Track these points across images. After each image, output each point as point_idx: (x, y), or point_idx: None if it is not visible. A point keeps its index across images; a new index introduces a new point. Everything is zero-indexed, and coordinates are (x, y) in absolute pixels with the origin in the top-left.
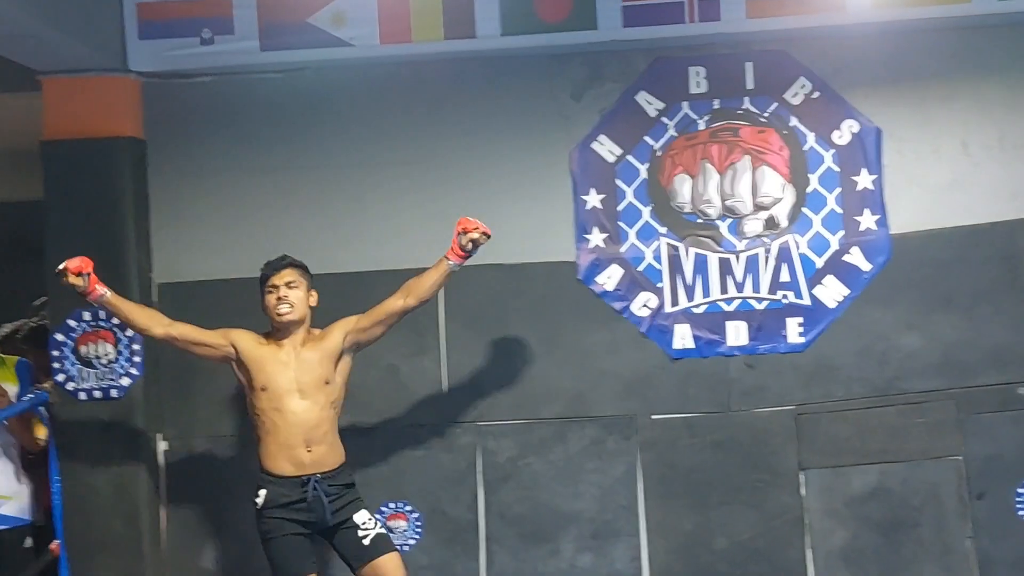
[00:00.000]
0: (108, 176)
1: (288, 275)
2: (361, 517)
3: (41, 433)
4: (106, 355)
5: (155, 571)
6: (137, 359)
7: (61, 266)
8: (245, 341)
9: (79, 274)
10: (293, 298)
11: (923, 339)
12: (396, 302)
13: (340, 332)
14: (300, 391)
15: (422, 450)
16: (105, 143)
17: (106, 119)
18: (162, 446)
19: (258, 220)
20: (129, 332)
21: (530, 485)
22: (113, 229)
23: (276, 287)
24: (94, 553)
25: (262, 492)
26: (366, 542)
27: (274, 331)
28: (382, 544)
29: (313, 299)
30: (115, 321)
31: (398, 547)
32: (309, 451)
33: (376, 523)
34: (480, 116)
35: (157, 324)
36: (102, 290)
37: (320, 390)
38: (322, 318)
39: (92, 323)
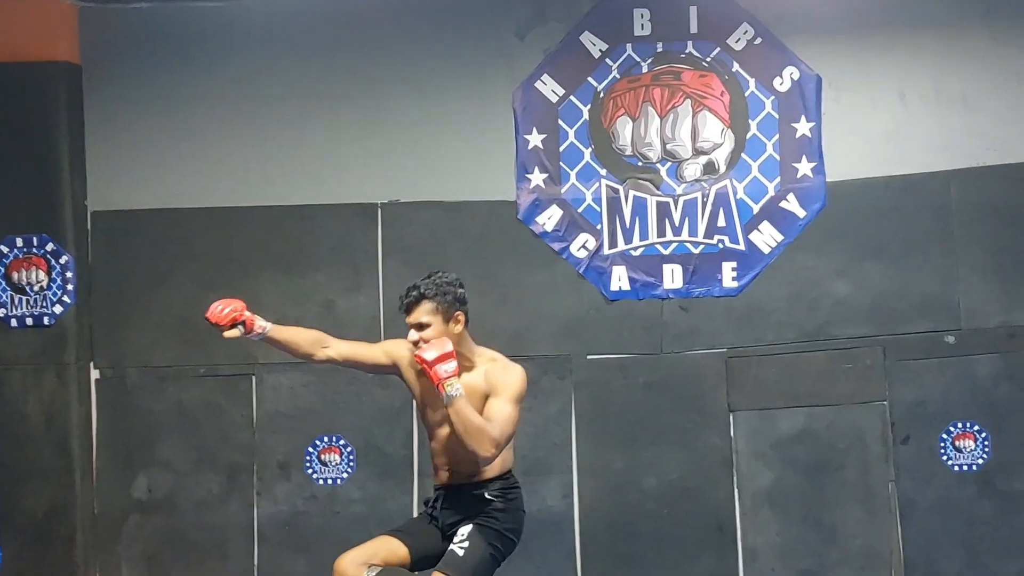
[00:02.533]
0: (42, 101)
1: (418, 314)
2: (463, 530)
3: None
4: (39, 282)
5: (85, 500)
6: (70, 287)
7: (211, 321)
8: (405, 358)
9: (234, 324)
10: (428, 340)
11: (853, 286)
12: None
13: (486, 388)
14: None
15: (357, 386)
16: (39, 67)
17: (41, 43)
18: (94, 375)
19: (195, 149)
20: (62, 260)
21: None
22: (47, 155)
23: (410, 328)
24: (25, 481)
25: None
26: (446, 554)
27: None
28: (445, 561)
29: (459, 325)
30: (48, 248)
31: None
32: (448, 471)
33: (464, 541)
34: (423, 52)
35: (319, 349)
36: (262, 324)
37: None
38: (257, 251)
39: (24, 249)
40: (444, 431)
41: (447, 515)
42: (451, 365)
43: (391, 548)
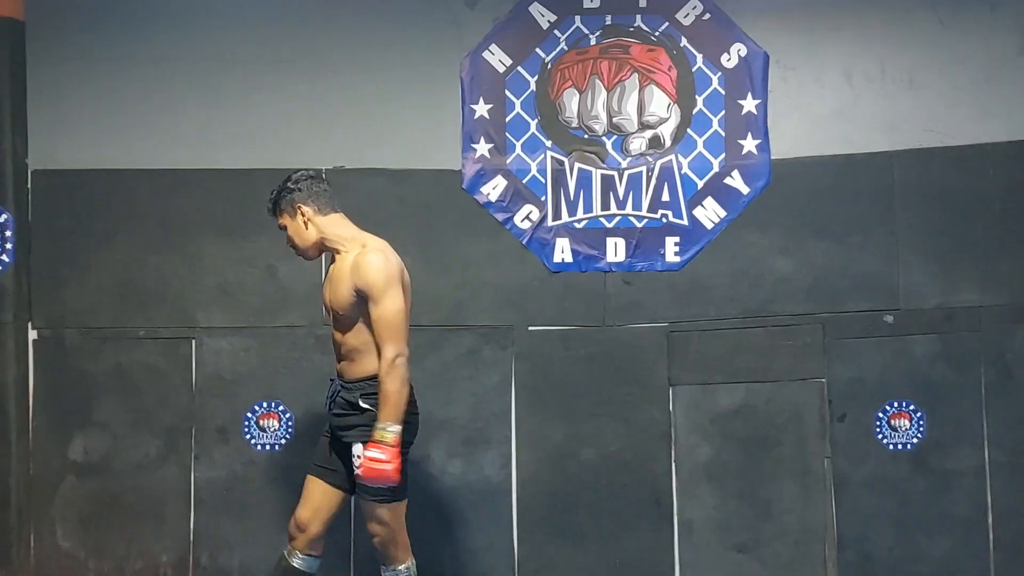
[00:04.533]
0: None
1: (279, 220)
2: (358, 449)
3: None
4: None
5: (21, 461)
6: (8, 246)
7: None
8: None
9: None
10: (289, 242)
11: (795, 264)
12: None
13: (352, 287)
14: (327, 308)
15: (297, 351)
16: None
17: None
18: (32, 335)
19: (141, 110)
20: (2, 217)
21: None
22: None
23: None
24: None
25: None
26: (357, 473)
27: None
28: (364, 488)
29: (304, 216)
30: None
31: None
32: (339, 363)
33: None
34: (372, 18)
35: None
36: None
37: (340, 314)
38: (200, 214)
39: None
40: (330, 318)
41: (335, 420)
42: (384, 458)
43: (319, 499)
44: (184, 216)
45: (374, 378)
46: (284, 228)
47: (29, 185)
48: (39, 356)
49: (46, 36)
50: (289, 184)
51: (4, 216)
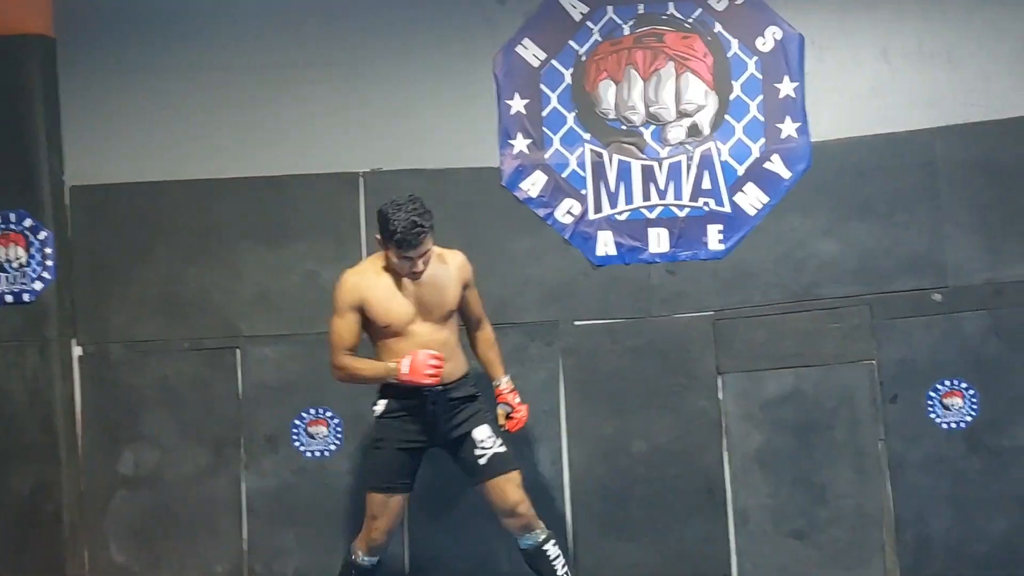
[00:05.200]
0: (17, 76)
1: (424, 247)
2: (480, 434)
3: None
4: (17, 259)
5: (71, 477)
6: (50, 263)
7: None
8: (356, 294)
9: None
10: (427, 264)
11: (840, 246)
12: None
13: (461, 284)
14: (423, 317)
15: None
16: (13, 41)
17: (14, 16)
18: (77, 351)
19: (172, 121)
20: (41, 235)
21: None
22: (23, 131)
23: (411, 259)
24: (9, 460)
25: (381, 402)
26: (482, 461)
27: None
28: (499, 463)
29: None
30: (27, 224)
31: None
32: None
33: (496, 441)
34: (402, 18)
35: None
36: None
37: (443, 319)
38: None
39: (2, 226)
40: (424, 327)
41: (453, 423)
42: (520, 404)
43: (402, 510)
44: (222, 225)
45: (469, 372)
46: (426, 253)
47: (67, 201)
48: (85, 372)
49: (76, 52)
50: (427, 208)
51: (44, 234)
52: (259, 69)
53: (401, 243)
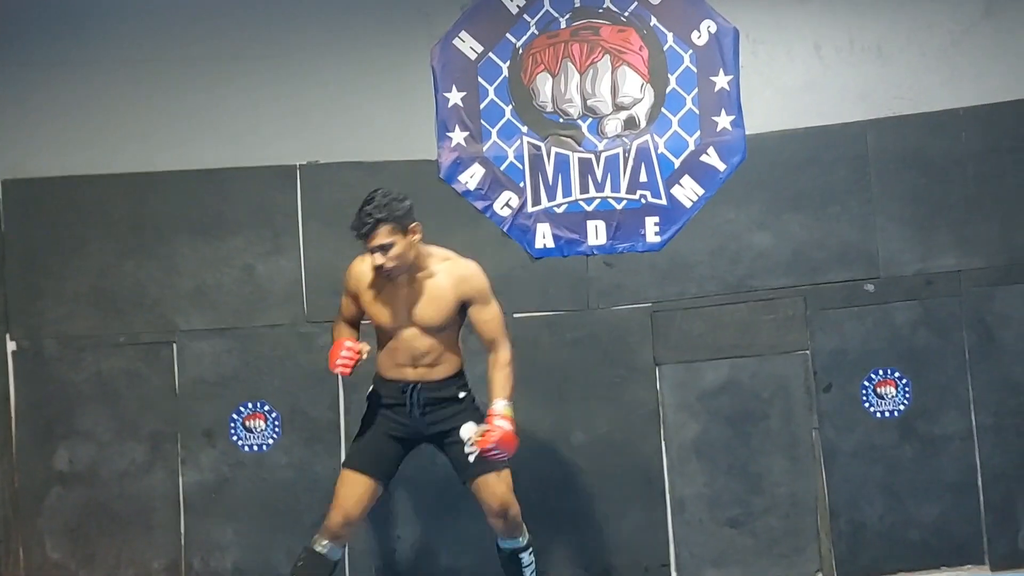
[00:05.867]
0: None
1: (379, 238)
2: (467, 431)
3: None
4: None
5: (5, 474)
6: None
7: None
8: (354, 282)
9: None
10: (392, 260)
11: (774, 238)
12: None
13: (459, 299)
14: (414, 324)
15: (280, 350)
16: None
17: None
18: (10, 346)
19: (105, 114)
20: None
21: None
22: None
23: (372, 251)
24: None
25: (372, 387)
26: (471, 458)
27: None
28: (489, 462)
29: (416, 235)
30: None
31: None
32: (415, 368)
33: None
34: (339, 10)
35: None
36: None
37: (433, 330)
38: (173, 216)
39: None
40: (409, 332)
41: (432, 418)
42: (507, 425)
43: (367, 496)
44: (157, 219)
45: (460, 374)
46: (385, 247)
47: None
48: (18, 367)
49: (7, 44)
50: (404, 201)
51: None
52: (194, 61)
53: (355, 233)
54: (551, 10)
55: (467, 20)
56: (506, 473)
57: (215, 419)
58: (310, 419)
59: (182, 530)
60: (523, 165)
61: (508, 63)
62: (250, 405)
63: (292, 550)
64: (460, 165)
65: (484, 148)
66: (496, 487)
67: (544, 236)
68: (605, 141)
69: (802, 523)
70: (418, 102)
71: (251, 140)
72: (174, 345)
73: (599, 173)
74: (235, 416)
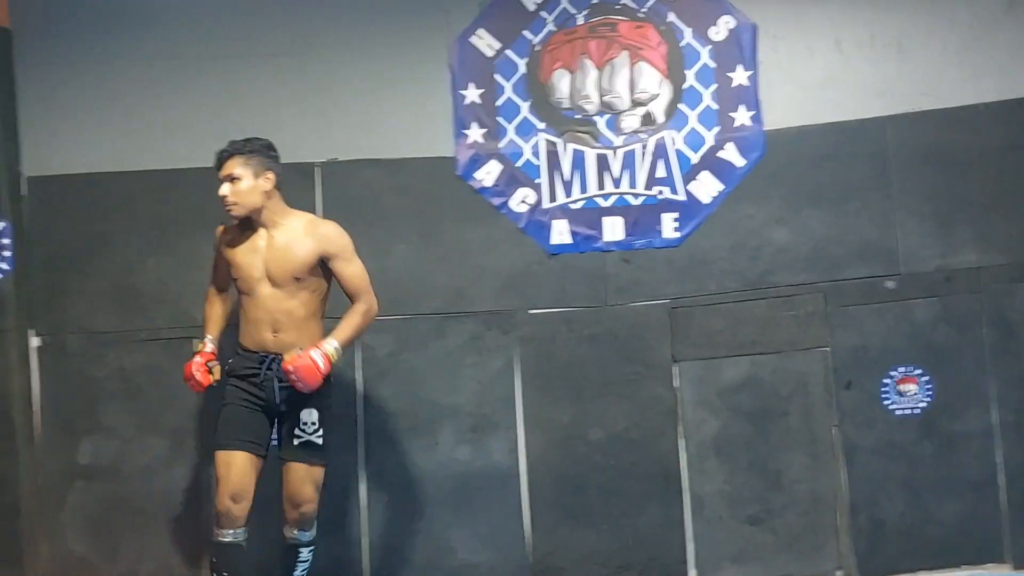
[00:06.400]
0: None
1: (229, 167)
2: (307, 416)
3: None
4: None
5: (29, 469)
6: (7, 254)
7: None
8: (218, 240)
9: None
10: (235, 195)
11: (793, 234)
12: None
13: (315, 252)
14: (269, 279)
15: None
16: None
17: None
18: (34, 342)
19: (129, 111)
20: None
21: (408, 380)
22: None
23: (221, 182)
24: None
25: (231, 360)
26: (296, 442)
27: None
28: (309, 452)
29: (268, 182)
30: None
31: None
32: (275, 335)
33: (318, 430)
34: (358, 8)
35: (226, 302)
36: (212, 344)
37: (288, 283)
38: (195, 213)
39: None
40: (266, 290)
41: (287, 391)
42: (318, 358)
43: (250, 471)
44: (179, 215)
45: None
46: (233, 179)
47: (24, 192)
48: (42, 363)
49: (33, 42)
50: (270, 149)
51: (2, 224)
52: (216, 60)
53: (215, 167)
54: (568, 7)
55: (485, 18)
56: (317, 470)
57: None
58: (329, 413)
59: (203, 525)
60: (540, 161)
61: (525, 60)
62: None
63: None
64: (477, 162)
65: (501, 145)
66: (306, 482)
67: (561, 232)
68: (622, 137)
69: (822, 520)
70: (436, 99)
71: (272, 138)
72: (194, 340)
73: (616, 169)
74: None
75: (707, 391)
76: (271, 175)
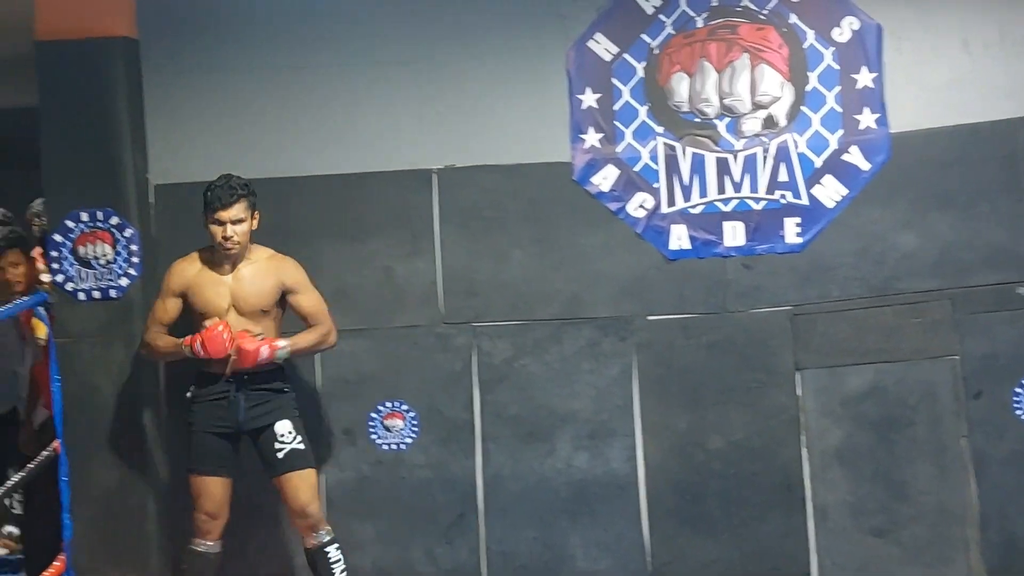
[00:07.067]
0: (102, 77)
1: (237, 211)
2: (282, 428)
3: (41, 332)
4: (104, 255)
5: (155, 469)
6: (135, 260)
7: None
8: (182, 279)
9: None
10: (240, 236)
11: (920, 239)
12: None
13: (278, 286)
14: (236, 309)
15: (418, 351)
16: (98, 43)
17: (99, 18)
18: None
19: (254, 120)
20: (127, 233)
21: (525, 386)
22: (109, 131)
23: (223, 223)
24: (95, 452)
25: (192, 387)
26: (280, 455)
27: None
28: (295, 459)
29: (255, 222)
30: (113, 221)
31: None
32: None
33: (296, 437)
34: (476, 14)
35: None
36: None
37: (255, 314)
38: (316, 219)
39: (90, 224)
40: (232, 318)
41: (253, 411)
42: (263, 348)
43: (222, 492)
44: (300, 222)
45: (283, 368)
46: (239, 221)
47: (152, 200)
48: (169, 366)
49: (159, 53)
50: (252, 189)
51: (130, 231)
52: (335, 67)
53: (212, 200)
54: (687, 10)
55: (602, 22)
56: (308, 473)
57: (355, 418)
58: (446, 419)
59: None
60: (658, 166)
61: (643, 63)
62: (388, 404)
63: (430, 549)
64: (594, 167)
65: (618, 149)
66: (301, 487)
67: (679, 237)
68: (743, 140)
69: (950, 533)
70: (552, 105)
71: (390, 145)
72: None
73: (737, 173)
74: (374, 415)
75: (831, 400)
76: (257, 216)
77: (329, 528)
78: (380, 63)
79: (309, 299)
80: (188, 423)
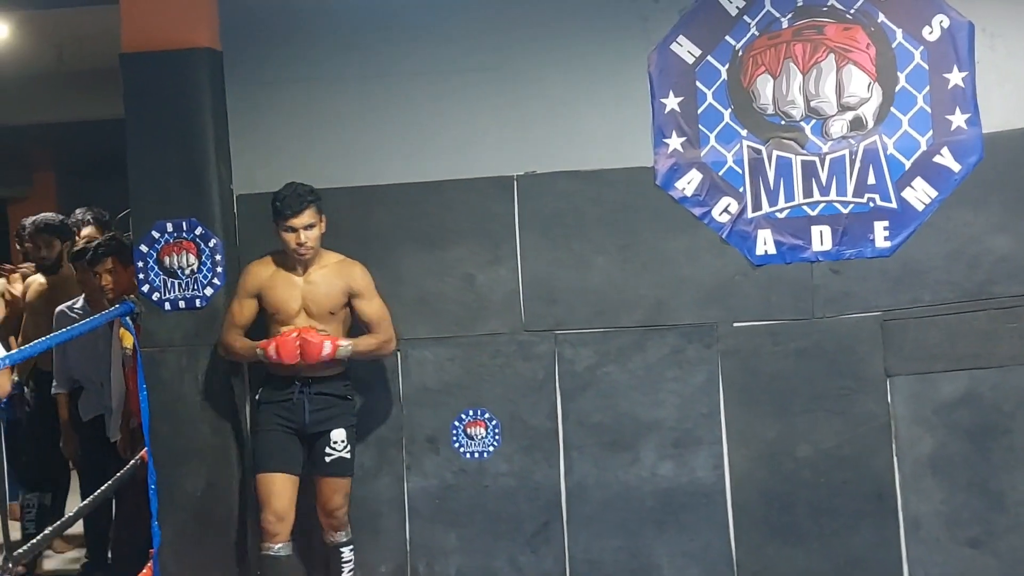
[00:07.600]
0: (186, 89)
1: (307, 217)
2: (337, 435)
3: (128, 342)
4: (189, 266)
5: (243, 477)
6: (220, 269)
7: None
8: (257, 281)
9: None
10: (312, 240)
11: (1016, 241)
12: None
13: (345, 290)
14: (307, 311)
15: (500, 359)
16: (182, 55)
17: (183, 30)
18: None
19: (336, 129)
20: (211, 243)
21: (609, 393)
22: (193, 142)
23: (295, 229)
24: (182, 460)
25: (260, 389)
26: (328, 459)
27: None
28: (340, 467)
29: (323, 226)
30: (198, 232)
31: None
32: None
33: (347, 447)
34: (557, 19)
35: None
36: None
37: (324, 316)
38: (398, 227)
39: (174, 234)
40: (302, 321)
41: (317, 415)
42: (327, 343)
43: (290, 490)
44: (382, 230)
45: (347, 374)
46: (310, 227)
47: (235, 210)
48: (254, 374)
49: (242, 64)
50: (317, 194)
51: (214, 241)
52: (416, 75)
53: (282, 208)
54: (772, 10)
55: (685, 24)
56: (346, 481)
57: (438, 426)
58: (529, 427)
59: (407, 535)
60: (742, 170)
61: (727, 66)
62: (471, 412)
63: (514, 558)
64: (677, 171)
65: (702, 153)
66: (337, 493)
67: (765, 242)
68: (830, 143)
69: None
70: (634, 109)
71: (471, 152)
72: (398, 353)
73: (824, 176)
74: (457, 423)
75: (923, 407)
76: (324, 220)
77: (349, 531)
78: (461, 70)
79: (372, 305)
80: (254, 425)
